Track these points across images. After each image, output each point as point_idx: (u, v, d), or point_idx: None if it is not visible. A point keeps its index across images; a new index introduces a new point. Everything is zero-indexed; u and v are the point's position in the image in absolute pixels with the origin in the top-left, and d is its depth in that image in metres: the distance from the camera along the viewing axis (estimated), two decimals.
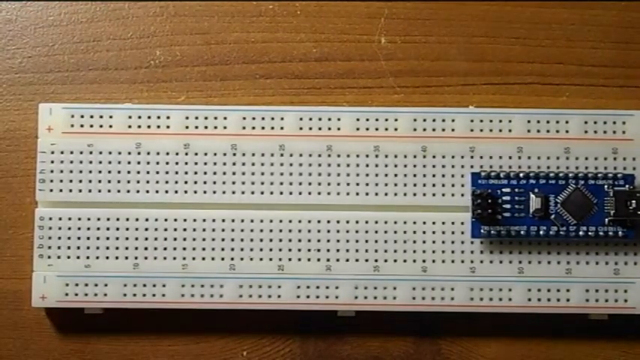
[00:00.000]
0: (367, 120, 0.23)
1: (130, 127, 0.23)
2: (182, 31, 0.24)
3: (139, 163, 0.23)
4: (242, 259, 0.23)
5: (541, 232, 0.22)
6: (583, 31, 0.24)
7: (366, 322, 0.23)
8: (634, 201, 0.22)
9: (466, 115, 0.23)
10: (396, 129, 0.23)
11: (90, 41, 0.24)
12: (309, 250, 0.23)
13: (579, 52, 0.24)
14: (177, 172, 0.23)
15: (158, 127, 0.23)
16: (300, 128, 0.23)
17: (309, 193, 0.23)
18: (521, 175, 0.23)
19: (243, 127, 0.23)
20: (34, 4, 0.24)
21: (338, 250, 0.23)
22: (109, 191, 0.23)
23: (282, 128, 0.23)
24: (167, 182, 0.23)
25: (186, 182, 0.23)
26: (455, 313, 0.23)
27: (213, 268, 0.23)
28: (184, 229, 0.23)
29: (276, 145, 0.23)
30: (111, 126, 0.23)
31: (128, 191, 0.23)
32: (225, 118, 0.23)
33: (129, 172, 0.23)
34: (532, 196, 0.22)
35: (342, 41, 0.24)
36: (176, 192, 0.23)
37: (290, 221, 0.23)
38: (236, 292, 0.23)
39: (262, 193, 0.23)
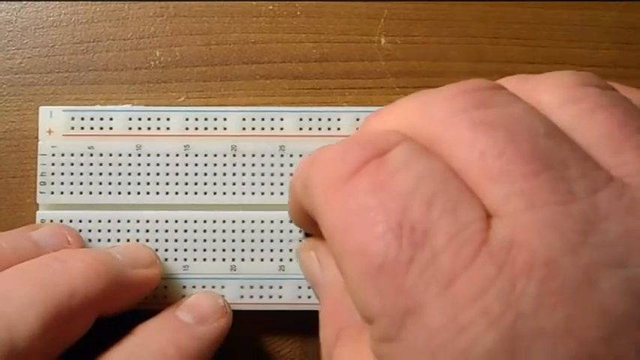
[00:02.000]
0: None
1: (130, 128, 0.23)
2: (182, 32, 0.24)
3: (139, 164, 0.23)
4: (243, 259, 0.23)
5: None
6: (583, 31, 0.24)
7: None
8: None
9: None
10: None
11: (90, 42, 0.24)
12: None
13: (579, 53, 0.24)
14: (177, 174, 0.23)
15: (158, 128, 0.23)
16: (300, 129, 0.23)
17: None
18: None
19: (243, 128, 0.23)
20: (34, 5, 0.24)
21: None
22: (109, 193, 0.23)
23: (282, 129, 0.23)
24: (167, 184, 0.23)
25: (186, 184, 0.23)
26: None
27: (214, 269, 0.23)
28: (185, 231, 0.23)
29: (277, 146, 0.23)
30: (111, 128, 0.23)
31: (129, 193, 0.23)
32: (225, 119, 0.23)
33: (129, 174, 0.23)
34: None
35: (342, 42, 0.24)
36: (176, 193, 0.23)
37: (291, 222, 0.23)
38: (237, 292, 0.23)
39: (263, 193, 0.23)
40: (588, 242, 0.12)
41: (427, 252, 0.12)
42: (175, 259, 0.23)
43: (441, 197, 0.13)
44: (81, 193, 0.23)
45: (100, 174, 0.23)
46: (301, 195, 0.16)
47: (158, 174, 0.23)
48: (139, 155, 0.23)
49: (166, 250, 0.23)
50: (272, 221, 0.23)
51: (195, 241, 0.23)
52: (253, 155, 0.23)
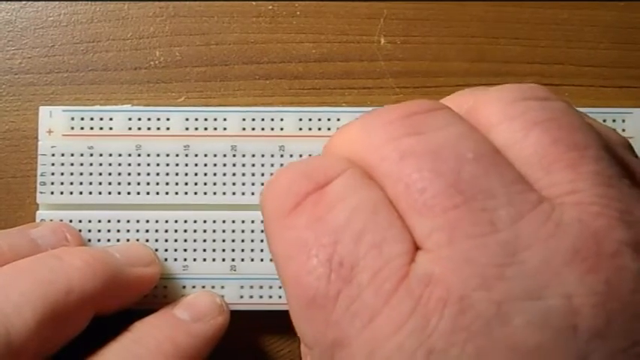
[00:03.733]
0: None
1: (130, 129, 0.23)
2: (182, 32, 0.24)
3: (139, 165, 0.23)
4: (243, 260, 0.23)
5: None
6: (583, 31, 0.24)
7: None
8: None
9: None
10: None
11: (89, 42, 0.24)
12: None
13: (579, 53, 0.24)
14: (177, 174, 0.23)
15: (158, 128, 0.23)
16: (300, 129, 0.23)
17: None
18: None
19: (243, 128, 0.23)
20: (34, 5, 0.24)
21: None
22: (109, 193, 0.23)
23: (281, 129, 0.23)
24: (167, 184, 0.23)
25: (186, 184, 0.23)
26: None
27: (214, 269, 0.23)
28: (185, 231, 0.23)
29: (276, 146, 0.23)
30: (111, 128, 0.23)
31: (129, 193, 0.23)
32: (224, 119, 0.23)
33: (129, 174, 0.23)
34: None
35: (342, 42, 0.24)
36: (176, 193, 0.23)
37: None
38: (237, 292, 0.23)
39: None
40: (505, 275, 0.12)
41: (354, 287, 0.12)
42: (175, 259, 0.23)
43: (370, 231, 0.13)
44: (81, 193, 0.23)
45: (100, 174, 0.23)
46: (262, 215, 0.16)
47: (158, 174, 0.23)
48: (139, 155, 0.23)
49: (166, 250, 0.23)
50: None
51: (195, 241, 0.23)
52: (253, 155, 0.23)
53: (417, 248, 0.13)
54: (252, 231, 0.23)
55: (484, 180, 0.13)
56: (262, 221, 0.22)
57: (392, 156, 0.13)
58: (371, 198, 0.13)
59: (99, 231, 0.22)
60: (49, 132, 0.23)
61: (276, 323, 0.23)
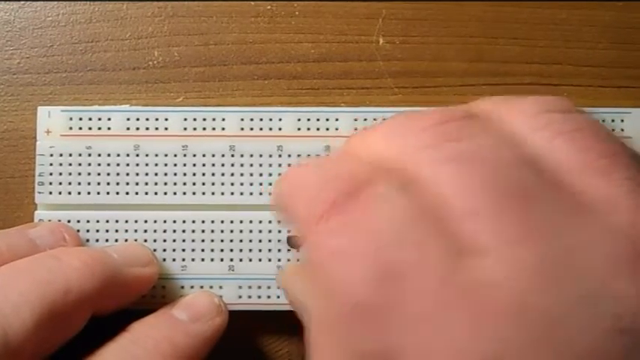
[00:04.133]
0: (365, 120, 0.23)
1: (128, 129, 0.23)
2: (180, 32, 0.24)
3: (137, 165, 0.23)
4: (241, 260, 0.23)
5: None
6: (581, 31, 0.24)
7: None
8: None
9: None
10: None
11: (88, 42, 0.24)
12: None
13: (577, 53, 0.24)
14: (175, 174, 0.23)
15: (156, 128, 0.23)
16: (298, 129, 0.23)
17: None
18: None
19: (242, 128, 0.23)
20: (32, 5, 0.24)
21: None
22: (107, 193, 0.23)
23: (280, 129, 0.23)
24: (166, 184, 0.23)
25: (184, 184, 0.23)
26: None
27: (213, 269, 0.23)
28: (183, 231, 0.23)
29: (275, 146, 0.23)
30: (109, 128, 0.23)
31: (127, 193, 0.23)
32: (223, 119, 0.23)
33: (127, 174, 0.23)
34: None
35: (341, 42, 0.24)
36: (175, 193, 0.23)
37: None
38: (235, 292, 0.23)
39: (261, 194, 0.23)
40: (558, 279, 0.12)
41: (399, 292, 0.12)
42: (173, 259, 0.23)
43: (411, 236, 0.13)
44: (79, 193, 0.23)
45: (99, 174, 0.23)
46: (279, 212, 0.16)
47: (156, 174, 0.23)
48: (137, 155, 0.23)
49: (164, 250, 0.23)
50: (270, 221, 0.23)
51: (193, 241, 0.23)
52: (251, 155, 0.23)
53: (463, 253, 0.13)
54: (251, 231, 0.23)
55: (526, 185, 0.13)
56: (261, 221, 0.22)
57: (431, 163, 0.14)
58: (409, 204, 0.13)
59: (97, 231, 0.22)
60: (48, 132, 0.23)
61: (275, 323, 0.23)
